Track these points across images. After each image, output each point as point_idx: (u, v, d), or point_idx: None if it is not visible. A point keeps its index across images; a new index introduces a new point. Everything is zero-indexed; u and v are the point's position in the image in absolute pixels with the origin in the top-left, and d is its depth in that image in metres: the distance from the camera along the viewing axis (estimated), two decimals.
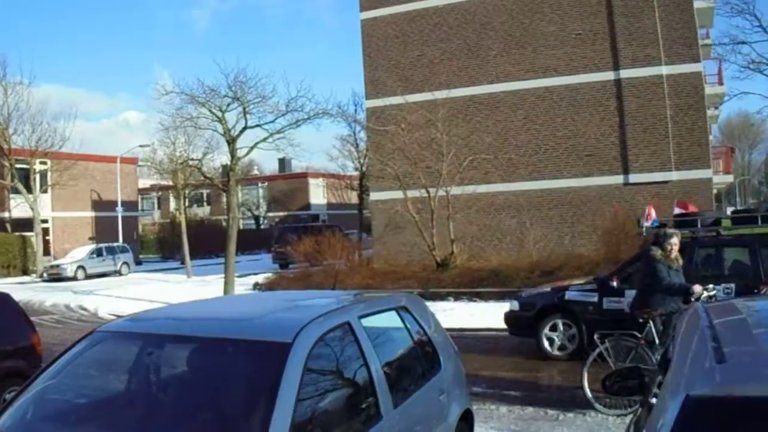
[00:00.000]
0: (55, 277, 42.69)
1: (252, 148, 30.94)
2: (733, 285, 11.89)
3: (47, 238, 51.20)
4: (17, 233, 49.47)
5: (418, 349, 6.51)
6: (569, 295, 13.90)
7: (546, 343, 13.88)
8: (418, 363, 6.39)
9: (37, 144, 46.25)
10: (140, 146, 52.16)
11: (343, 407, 4.96)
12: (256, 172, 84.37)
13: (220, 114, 29.29)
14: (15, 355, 10.42)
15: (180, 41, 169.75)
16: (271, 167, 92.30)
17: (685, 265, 10.71)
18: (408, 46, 31.78)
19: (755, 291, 11.42)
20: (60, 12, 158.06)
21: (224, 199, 75.97)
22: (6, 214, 50.46)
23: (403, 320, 6.43)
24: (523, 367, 13.52)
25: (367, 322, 5.51)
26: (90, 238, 54.47)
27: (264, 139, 30.06)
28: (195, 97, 29.49)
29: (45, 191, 49.73)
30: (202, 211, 77.70)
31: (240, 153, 31.55)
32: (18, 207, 49.01)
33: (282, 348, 4.49)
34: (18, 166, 46.11)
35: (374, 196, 33.08)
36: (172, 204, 78.17)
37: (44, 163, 48.74)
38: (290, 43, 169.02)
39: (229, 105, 29.35)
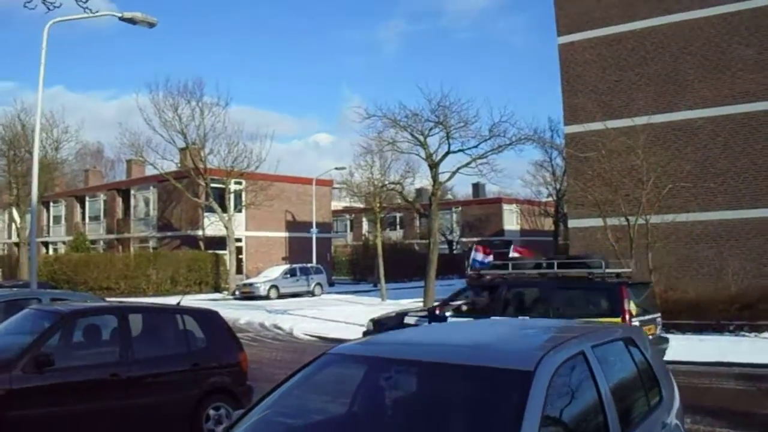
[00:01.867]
0: (248, 295, 46.90)
1: (454, 173, 33.74)
2: (527, 317, 16.07)
3: (240, 256, 56.27)
4: (210, 251, 55.05)
5: (642, 381, 6.75)
6: (407, 319, 19.53)
7: None
8: (643, 395, 6.63)
9: (233, 164, 51.07)
10: (336, 168, 56.24)
11: None
12: (449, 196, 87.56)
13: (422, 138, 31.88)
14: (221, 372, 11.81)
15: (369, 64, 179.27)
16: (463, 192, 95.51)
17: (495, 299, 17.72)
18: (606, 71, 33.10)
19: None
20: (252, 36, 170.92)
21: (417, 223, 79.62)
22: (200, 232, 56.56)
23: (629, 351, 6.73)
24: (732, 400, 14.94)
25: (598, 352, 5.73)
26: (283, 258, 59.63)
27: (466, 164, 32.81)
28: (397, 121, 32.32)
29: (239, 210, 55.08)
30: (395, 235, 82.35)
31: (442, 178, 34.15)
32: (212, 225, 54.73)
33: (524, 376, 4.72)
34: (213, 185, 51.50)
35: (573, 223, 34.45)
36: (365, 226, 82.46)
37: (239, 183, 53.93)
38: (478, 66, 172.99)
39: (431, 129, 31.90)
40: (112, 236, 66.96)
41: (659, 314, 17.68)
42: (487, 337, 6.33)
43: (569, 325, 7.91)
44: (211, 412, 11.28)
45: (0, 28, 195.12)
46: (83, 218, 72.43)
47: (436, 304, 20.78)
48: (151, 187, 62.69)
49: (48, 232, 74.36)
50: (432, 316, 18.40)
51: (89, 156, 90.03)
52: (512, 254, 25.35)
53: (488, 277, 20.29)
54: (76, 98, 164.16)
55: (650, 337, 13.89)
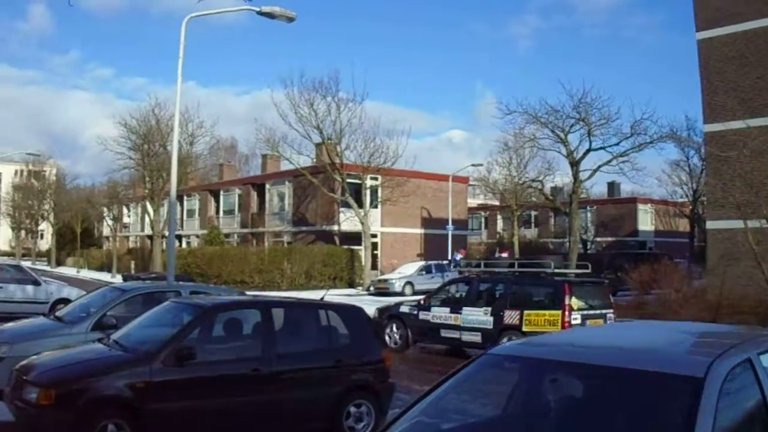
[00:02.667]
0: (382, 291, 47.52)
1: (595, 170, 34.57)
2: (490, 308, 21.05)
3: (375, 252, 57.24)
4: (345, 246, 56.56)
5: None
6: (402, 308, 23.91)
7: (387, 339, 22.04)
8: None
9: (369, 160, 52.08)
10: (473, 165, 56.83)
11: None
12: (584, 195, 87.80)
13: (562, 135, 33.11)
14: (363, 369, 12.06)
15: (501, 60, 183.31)
16: (597, 191, 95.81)
17: (469, 291, 22.40)
18: (746, 68, 32.36)
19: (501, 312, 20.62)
20: (384, 33, 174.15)
21: (552, 222, 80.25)
22: (335, 227, 58.05)
23: None
24: None
25: (765, 359, 5.49)
26: (418, 255, 60.36)
27: (607, 162, 33.68)
28: (538, 117, 33.57)
29: (375, 206, 56.03)
30: (530, 233, 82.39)
31: (582, 176, 35.32)
32: (347, 221, 56.03)
33: (695, 383, 4.69)
34: (349, 180, 52.61)
35: (711, 224, 34.04)
36: (499, 224, 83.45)
37: (375, 178, 55.08)
38: (610, 63, 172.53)
39: (572, 126, 33.05)
40: (246, 230, 69.29)
41: (611, 310, 21.12)
42: (651, 340, 6.26)
43: (733, 331, 7.54)
44: (352, 409, 11.63)
45: (132, 27, 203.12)
46: (217, 212, 75.09)
47: (422, 296, 25.46)
48: (287, 182, 64.59)
49: (182, 226, 76.70)
50: (423, 308, 22.92)
51: (223, 151, 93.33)
52: (497, 255, 29.71)
53: (466, 273, 25.90)
54: (208, 94, 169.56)
55: None
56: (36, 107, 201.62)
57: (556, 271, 21.97)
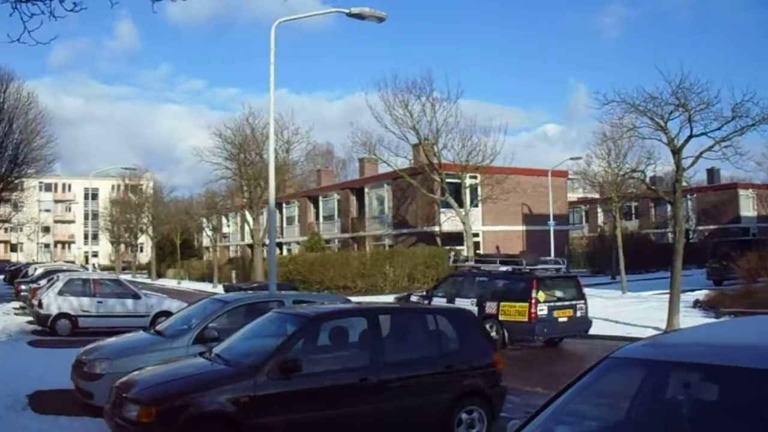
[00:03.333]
0: None
1: (698, 157, 33.54)
2: (476, 299, 24.67)
3: (478, 251, 55.19)
4: (447, 247, 55.37)
5: None
6: (412, 297, 29.16)
7: None
8: None
9: (467, 158, 51.12)
10: (571, 159, 55.90)
11: None
12: (684, 183, 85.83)
13: (662, 123, 32.30)
14: (474, 374, 11.75)
15: (591, 51, 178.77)
16: (697, 178, 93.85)
17: (462, 285, 26.34)
18: None
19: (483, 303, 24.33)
20: (473, 28, 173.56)
21: (653, 212, 78.77)
22: (436, 228, 57.53)
23: None
24: None
25: None
26: (521, 252, 58.82)
27: (709, 148, 32.69)
28: (636, 106, 32.78)
29: (476, 205, 55.12)
30: (631, 225, 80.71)
31: (684, 163, 34.42)
32: (448, 221, 55.39)
33: None
34: (448, 180, 51.69)
35: None
36: (600, 217, 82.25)
37: (474, 177, 54.01)
38: (701, 46, 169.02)
39: (671, 113, 32.23)
40: (346, 235, 69.18)
41: (582, 301, 24.60)
42: None
43: None
44: (464, 415, 11.30)
45: (219, 37, 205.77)
46: (317, 218, 75.18)
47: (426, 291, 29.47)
48: (385, 185, 64.37)
49: (282, 233, 77.24)
50: (427, 296, 27.13)
51: (319, 156, 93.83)
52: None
53: (465, 269, 29.35)
54: (301, 101, 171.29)
55: (566, 318, 23.54)
56: (130, 122, 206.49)
57: (526, 268, 25.17)
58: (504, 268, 25.86)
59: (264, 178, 57.99)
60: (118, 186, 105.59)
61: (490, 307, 23.90)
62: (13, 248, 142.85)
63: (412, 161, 56.13)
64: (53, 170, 56.57)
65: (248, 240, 76.02)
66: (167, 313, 26.28)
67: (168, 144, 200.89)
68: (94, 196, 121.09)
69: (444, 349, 11.88)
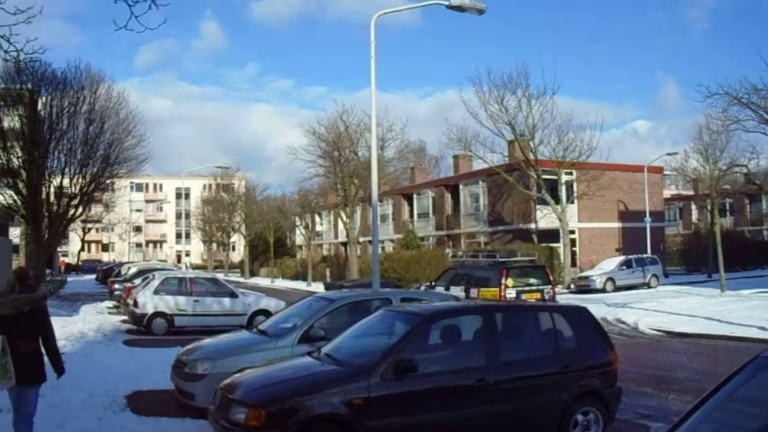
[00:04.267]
0: (583, 288, 47.00)
1: None
2: (463, 286, 30.28)
3: (573, 249, 56.16)
4: (543, 244, 55.23)
5: None
6: (421, 288, 33.82)
7: None
8: None
9: (563, 154, 50.80)
10: (668, 154, 54.80)
11: None
12: None
13: (767, 115, 31.33)
14: (590, 374, 11.23)
15: (678, 45, 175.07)
16: None
17: (454, 276, 32.55)
18: None
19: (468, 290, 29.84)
20: (562, 25, 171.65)
21: (748, 209, 76.95)
22: (532, 225, 56.91)
23: None
24: None
25: None
26: (617, 250, 58.77)
27: None
28: (739, 98, 31.88)
29: (572, 202, 54.72)
30: (726, 222, 78.61)
31: None
32: (544, 218, 55.03)
33: None
34: (544, 177, 51.58)
35: None
36: (694, 214, 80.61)
37: (569, 173, 53.64)
38: None
39: None
40: (441, 232, 68.78)
41: (549, 286, 30.41)
42: None
43: None
44: (579, 417, 10.85)
45: (306, 36, 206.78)
46: (411, 215, 74.86)
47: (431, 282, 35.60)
48: (480, 182, 63.65)
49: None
50: (431, 287, 32.41)
51: (412, 154, 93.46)
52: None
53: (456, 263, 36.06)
54: (390, 98, 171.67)
55: (534, 300, 27.61)
56: (219, 122, 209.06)
57: (499, 260, 31.25)
58: (485, 261, 32.51)
59: (359, 176, 58.34)
60: (210, 185, 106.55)
61: (473, 292, 29.64)
62: (105, 248, 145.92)
63: (507, 157, 55.69)
64: (144, 170, 56.74)
65: (341, 238, 76.17)
66: (265, 312, 26.50)
67: (258, 143, 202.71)
68: (186, 196, 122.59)
69: (560, 348, 11.36)
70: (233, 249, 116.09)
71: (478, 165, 62.30)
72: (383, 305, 13.54)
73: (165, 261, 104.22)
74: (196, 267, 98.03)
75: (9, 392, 9.34)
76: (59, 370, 9.65)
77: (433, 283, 33.35)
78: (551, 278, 31.99)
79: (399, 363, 9.58)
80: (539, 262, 37.73)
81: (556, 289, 48.52)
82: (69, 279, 75.92)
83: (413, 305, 13.31)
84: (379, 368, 9.59)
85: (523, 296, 28.34)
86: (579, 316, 11.92)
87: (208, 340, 15.07)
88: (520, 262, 31.74)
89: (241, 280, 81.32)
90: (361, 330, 11.51)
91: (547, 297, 29.31)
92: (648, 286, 49.38)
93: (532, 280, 30.21)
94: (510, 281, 29.16)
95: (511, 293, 28.45)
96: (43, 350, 9.48)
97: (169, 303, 27.04)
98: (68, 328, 25.96)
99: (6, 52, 11.12)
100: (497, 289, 28.75)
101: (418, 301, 14.59)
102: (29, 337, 9.25)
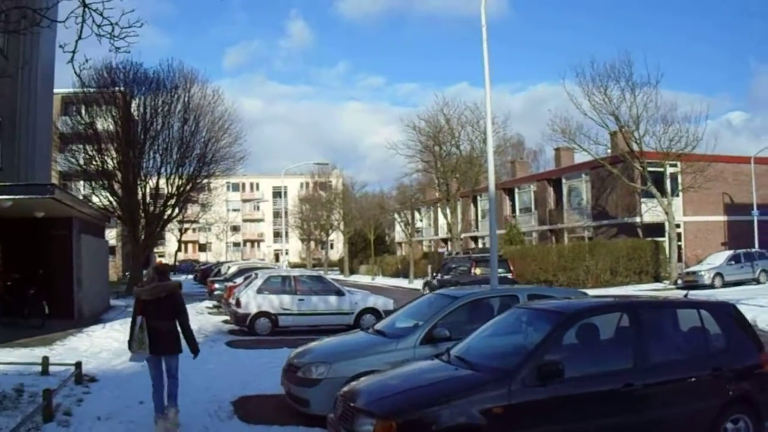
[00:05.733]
0: (691, 284, 44.74)
1: None
2: (451, 273, 45.53)
3: (679, 243, 54.66)
4: (649, 238, 53.91)
5: None
6: (434, 281, 45.80)
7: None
8: None
9: (669, 146, 49.41)
10: None
11: None
12: None
13: None
14: (741, 377, 10.13)
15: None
16: None
17: (443, 269, 48.60)
18: None
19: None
20: (651, 15, 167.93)
21: None
22: (637, 219, 55.52)
23: None
24: None
25: None
26: (722, 244, 57.13)
27: None
28: None
29: (677, 195, 53.05)
30: None
31: None
32: (649, 211, 53.67)
33: None
34: (650, 169, 50.18)
35: None
36: None
37: (674, 165, 51.93)
38: None
39: None
40: (544, 227, 67.80)
41: (510, 274, 41.91)
42: None
43: None
44: (729, 425, 9.72)
45: (394, 33, 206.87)
46: (513, 210, 73.87)
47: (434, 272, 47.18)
48: (583, 175, 62.64)
49: (476, 227, 76.93)
50: (432, 276, 47.08)
51: (510, 148, 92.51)
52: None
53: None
54: (480, 94, 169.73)
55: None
56: (312, 121, 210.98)
57: (474, 255, 46.94)
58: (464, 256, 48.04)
59: (460, 171, 57.55)
60: (307, 183, 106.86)
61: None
62: (202, 248, 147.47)
63: (610, 150, 54.44)
64: (242, 169, 56.54)
65: (441, 234, 75.46)
66: (372, 311, 26.00)
67: (351, 141, 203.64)
68: (283, 195, 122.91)
69: (710, 349, 10.19)
70: (331, 247, 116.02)
71: (579, 158, 61.42)
72: (511, 303, 12.62)
73: (263, 260, 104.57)
74: (294, 266, 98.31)
75: (147, 361, 11.59)
76: (194, 350, 12.08)
77: (435, 274, 48.27)
78: (511, 268, 44.08)
79: (542, 366, 8.59)
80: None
81: (664, 284, 48.31)
82: None
83: (550, 302, 11.71)
84: (521, 373, 8.63)
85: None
86: (726, 313, 10.74)
87: (320, 342, 14.19)
88: (485, 257, 41.45)
89: (341, 277, 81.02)
90: (494, 330, 10.61)
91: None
92: (757, 281, 47.52)
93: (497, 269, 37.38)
94: (478, 270, 42.56)
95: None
96: (179, 329, 11.86)
97: (273, 302, 26.27)
98: None
99: (99, 26, 10.33)
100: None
101: (549, 299, 13.13)
102: (166, 318, 11.67)
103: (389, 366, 10.68)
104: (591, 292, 38.56)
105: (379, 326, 14.32)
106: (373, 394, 9.09)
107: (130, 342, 11.57)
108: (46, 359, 15.74)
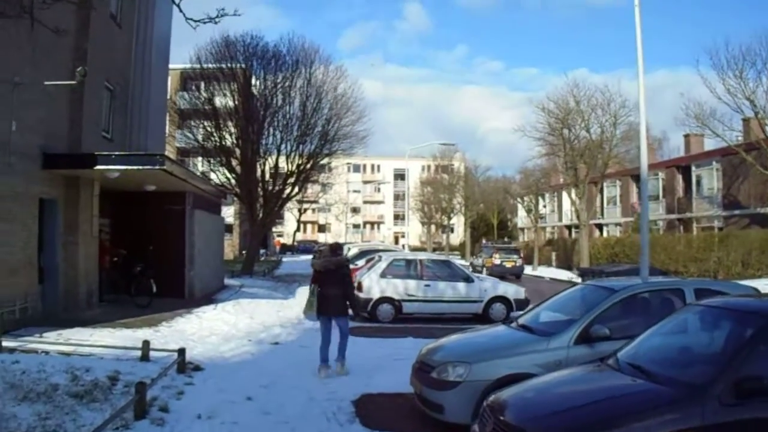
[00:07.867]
0: None
1: None
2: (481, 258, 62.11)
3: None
4: None
5: None
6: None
7: None
8: None
9: None
10: None
11: None
12: None
13: None
14: None
15: None
16: None
17: (480, 252, 68.69)
18: None
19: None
20: None
21: None
22: None
23: None
24: None
25: None
26: None
27: None
28: None
29: None
30: None
31: None
32: None
33: None
34: None
35: None
36: None
37: None
38: None
39: None
40: (672, 216, 64.97)
41: (520, 258, 57.31)
42: None
43: None
44: None
45: (512, 16, 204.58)
46: (639, 198, 70.94)
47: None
48: (714, 162, 59.56)
49: (601, 214, 75.04)
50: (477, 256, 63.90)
51: (636, 134, 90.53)
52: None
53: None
54: (601, 80, 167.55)
55: (510, 265, 55.83)
56: (429, 104, 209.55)
57: (494, 245, 62.46)
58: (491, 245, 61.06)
59: (589, 154, 56.37)
60: (429, 166, 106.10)
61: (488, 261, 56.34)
62: (321, 229, 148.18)
63: (741, 136, 51.38)
64: (362, 149, 55.23)
65: (566, 221, 73.69)
66: (503, 299, 24.76)
67: (470, 125, 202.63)
68: (405, 177, 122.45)
69: None
70: (452, 231, 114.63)
71: (709, 145, 59.36)
72: (675, 298, 10.99)
73: (383, 242, 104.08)
74: (413, 249, 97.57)
75: (320, 320, 15.03)
76: (355, 310, 16.82)
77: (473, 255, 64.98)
78: (521, 255, 58.92)
79: (743, 381, 6.72)
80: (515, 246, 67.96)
81: None
82: (284, 259, 77.96)
83: (739, 301, 9.45)
84: (716, 388, 6.76)
85: (504, 263, 55.73)
86: None
87: (456, 337, 12.37)
88: (505, 247, 61.62)
89: (463, 262, 79.43)
90: (669, 331, 8.78)
91: (518, 264, 55.96)
92: None
93: (510, 255, 57.42)
94: (496, 255, 56.74)
95: (497, 261, 55.95)
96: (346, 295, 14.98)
97: (397, 287, 24.95)
98: (283, 312, 25.04)
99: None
100: (491, 258, 56.81)
101: (721, 294, 11.04)
102: (334, 286, 14.84)
103: (539, 368, 9.42)
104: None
105: (522, 320, 12.28)
106: (528, 410, 7.45)
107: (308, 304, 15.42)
108: (146, 344, 14.76)
